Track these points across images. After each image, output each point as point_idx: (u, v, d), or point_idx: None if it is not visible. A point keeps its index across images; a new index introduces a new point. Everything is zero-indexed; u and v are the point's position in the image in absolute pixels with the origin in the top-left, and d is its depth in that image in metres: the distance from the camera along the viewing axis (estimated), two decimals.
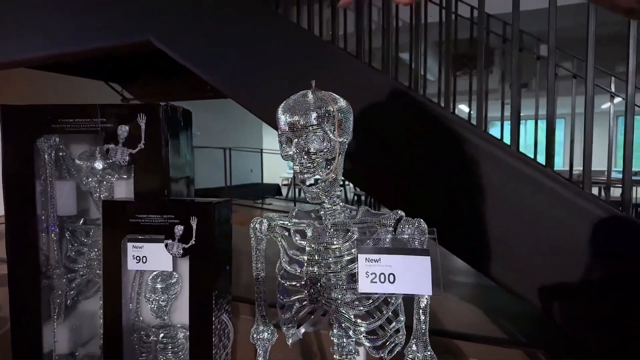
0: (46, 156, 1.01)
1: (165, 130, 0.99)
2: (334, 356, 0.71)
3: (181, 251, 0.85)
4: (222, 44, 1.67)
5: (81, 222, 1.08)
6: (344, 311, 0.64)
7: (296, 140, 0.64)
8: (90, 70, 3.77)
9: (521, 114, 1.38)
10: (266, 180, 7.59)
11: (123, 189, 1.02)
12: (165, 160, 0.99)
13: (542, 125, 1.54)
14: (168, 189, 0.99)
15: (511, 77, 1.43)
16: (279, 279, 0.71)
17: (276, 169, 8.62)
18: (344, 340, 0.70)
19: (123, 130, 0.98)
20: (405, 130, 1.40)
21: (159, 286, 0.88)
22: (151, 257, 0.86)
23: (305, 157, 0.64)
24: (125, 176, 1.04)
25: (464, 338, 1.45)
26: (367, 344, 0.64)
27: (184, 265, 0.91)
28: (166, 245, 0.85)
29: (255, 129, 8.22)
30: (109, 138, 0.99)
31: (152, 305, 0.89)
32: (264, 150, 7.57)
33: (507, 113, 1.55)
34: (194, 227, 0.84)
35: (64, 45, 2.24)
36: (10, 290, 1.01)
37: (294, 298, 0.68)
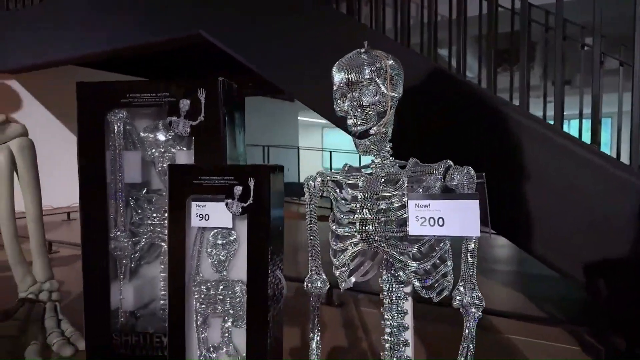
0: (115, 129, 1.12)
1: (223, 103, 1.07)
2: (384, 301, 0.76)
3: (240, 209, 0.92)
4: (275, 36, 1.73)
5: (144, 191, 1.17)
6: (394, 252, 0.69)
7: (350, 94, 0.70)
8: (130, 67, 3.98)
9: (564, 113, 1.37)
10: (302, 178, 7.68)
11: (184, 159, 1.10)
12: (223, 130, 1.07)
13: (587, 125, 1.49)
14: (224, 158, 1.07)
15: (555, 60, 1.43)
16: (333, 228, 0.76)
17: (313, 166, 8.71)
18: (394, 286, 0.75)
19: (185, 104, 1.07)
20: (450, 112, 1.43)
21: (219, 242, 0.96)
22: (213, 215, 0.94)
23: (359, 110, 0.69)
24: (185, 147, 1.12)
25: (504, 315, 1.46)
26: (417, 284, 0.68)
27: (242, 226, 0.98)
28: (226, 204, 0.93)
29: (291, 126, 8.35)
30: (171, 111, 1.08)
31: (213, 260, 0.96)
32: (300, 148, 7.67)
33: (550, 112, 1.51)
34: (252, 187, 0.91)
35: (115, 41, 2.39)
36: (83, 251, 1.12)
37: (348, 242, 0.73)
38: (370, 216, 0.71)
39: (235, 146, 1.15)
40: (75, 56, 2.51)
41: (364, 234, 0.71)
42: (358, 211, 0.72)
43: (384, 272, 0.75)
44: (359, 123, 0.70)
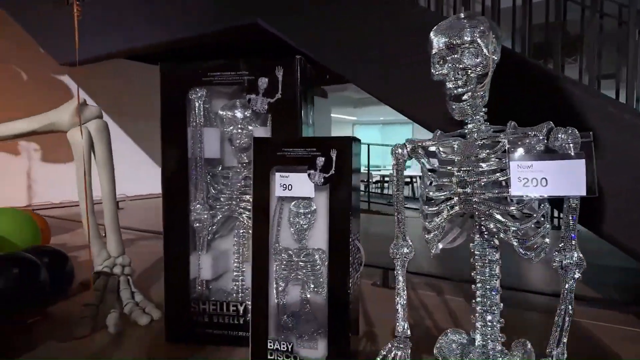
0: (196, 106, 1.17)
1: (300, 81, 1.10)
2: (476, 264, 0.77)
3: (322, 180, 0.95)
4: (335, 24, 1.74)
5: (219, 167, 1.23)
6: (495, 213, 0.70)
7: (451, 57, 0.72)
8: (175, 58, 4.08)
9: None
10: None
11: (263, 135, 1.14)
12: (299, 107, 1.10)
13: None
14: (300, 134, 1.11)
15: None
16: (425, 191, 0.78)
17: None
18: (486, 249, 0.76)
19: (263, 82, 1.11)
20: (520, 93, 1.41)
21: (302, 211, 0.99)
22: (296, 185, 0.97)
23: (460, 72, 0.71)
24: (262, 125, 1.17)
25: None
26: (516, 243, 0.70)
27: (319, 198, 1.02)
28: (309, 175, 0.96)
29: (324, 122, 8.38)
30: (250, 89, 1.12)
31: (295, 228, 1.00)
32: None
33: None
34: (334, 158, 0.94)
35: (170, 33, 2.47)
36: (165, 222, 1.18)
37: (444, 205, 0.75)
38: (469, 178, 0.73)
39: (307, 124, 1.19)
40: (136, 47, 2.60)
41: (462, 196, 0.73)
42: (456, 173, 0.74)
43: (476, 237, 0.77)
44: (459, 85, 0.72)
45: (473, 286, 0.78)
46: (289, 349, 0.98)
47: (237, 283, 1.23)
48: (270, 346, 0.99)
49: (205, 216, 1.19)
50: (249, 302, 1.17)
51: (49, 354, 1.12)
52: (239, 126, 1.17)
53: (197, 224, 1.19)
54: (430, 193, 0.77)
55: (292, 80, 1.10)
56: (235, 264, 1.24)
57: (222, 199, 1.21)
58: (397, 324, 0.85)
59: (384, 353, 0.84)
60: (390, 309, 1.01)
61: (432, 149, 0.79)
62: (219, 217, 1.20)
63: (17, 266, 0.96)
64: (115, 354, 1.13)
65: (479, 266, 0.77)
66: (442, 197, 0.76)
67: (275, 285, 1.02)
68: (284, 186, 0.98)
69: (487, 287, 0.76)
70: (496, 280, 0.76)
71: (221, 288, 1.25)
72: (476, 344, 0.76)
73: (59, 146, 4.33)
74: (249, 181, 1.19)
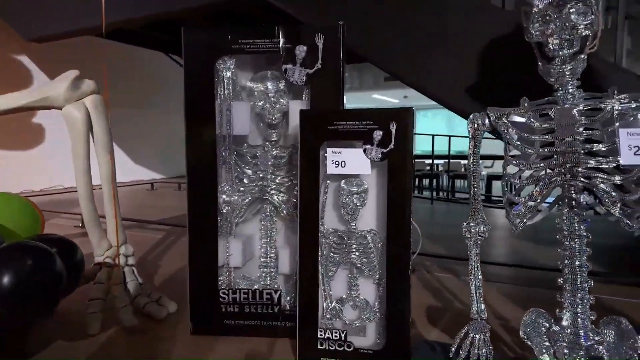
0: (225, 77, 1.06)
1: (343, 49, 1.02)
2: (564, 240, 0.73)
3: (380, 155, 0.88)
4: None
5: (245, 146, 1.13)
6: (600, 183, 0.66)
7: (557, 15, 0.67)
8: (151, 41, 3.85)
9: None
10: None
11: (298, 109, 1.05)
12: (342, 78, 1.02)
13: None
14: (342, 108, 1.03)
15: None
16: (514, 163, 0.73)
17: None
18: (575, 224, 0.73)
19: (301, 50, 1.02)
20: None
21: (354, 189, 0.92)
22: (350, 162, 0.90)
23: (567, 31, 0.66)
24: (297, 98, 1.08)
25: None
26: (619, 213, 0.66)
27: (367, 175, 0.95)
28: (365, 150, 0.89)
29: None
30: (286, 59, 1.03)
31: (347, 208, 0.93)
32: None
33: None
34: (393, 131, 0.87)
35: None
36: (190, 204, 1.07)
37: (542, 175, 0.71)
38: (572, 148, 0.68)
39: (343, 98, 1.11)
40: (117, 20, 2.39)
41: (564, 167, 0.69)
42: (557, 143, 0.69)
43: (564, 211, 0.73)
44: (565, 45, 0.67)
45: (559, 263, 0.74)
46: (342, 337, 0.92)
47: (265, 270, 1.14)
48: (321, 335, 0.92)
49: (235, 198, 1.10)
50: (283, 290, 1.09)
51: (63, 354, 1.00)
52: (271, 99, 1.07)
53: (227, 207, 1.10)
54: (525, 165, 0.72)
55: (334, 49, 1.01)
56: (263, 250, 1.15)
57: (251, 179, 1.11)
58: (472, 306, 0.80)
59: (460, 338, 0.79)
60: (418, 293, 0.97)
61: (518, 118, 0.74)
62: (248, 199, 1.11)
63: (30, 256, 0.83)
64: (138, 352, 1.03)
65: (568, 242, 0.73)
66: (540, 168, 0.71)
67: (323, 271, 0.95)
68: (337, 163, 0.90)
69: (577, 263, 0.72)
70: (585, 255, 0.73)
71: (245, 276, 1.16)
72: (565, 323, 0.73)
73: (18, 132, 4.01)
74: (280, 160, 1.11)
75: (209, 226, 1.08)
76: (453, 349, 0.79)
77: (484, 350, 0.76)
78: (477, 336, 0.78)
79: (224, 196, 1.09)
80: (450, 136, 5.28)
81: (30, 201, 1.60)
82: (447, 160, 8.06)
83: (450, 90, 1.47)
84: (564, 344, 0.72)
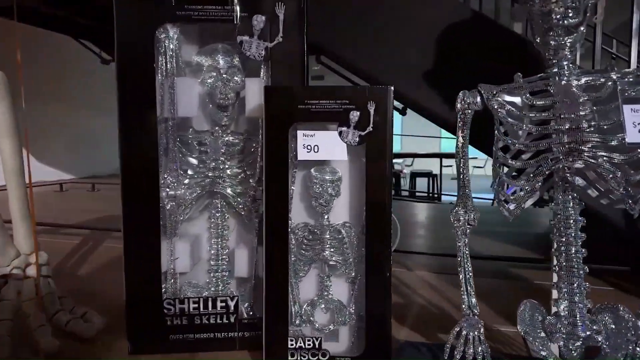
0: (166, 49, 0.90)
1: (306, 22, 0.91)
2: (559, 226, 0.69)
3: (357, 139, 0.79)
4: None
5: (190, 131, 0.97)
6: (604, 162, 0.62)
7: None
8: (60, 24, 3.41)
9: None
10: None
11: (255, 90, 0.93)
12: (306, 55, 0.91)
13: None
14: None
15: None
16: (516, 146, 0.67)
17: None
18: (570, 208, 0.68)
19: (259, 20, 0.89)
20: None
21: (328, 177, 0.82)
22: (324, 146, 0.79)
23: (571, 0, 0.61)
24: (253, 76, 0.94)
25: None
26: (623, 192, 0.63)
27: (339, 163, 0.85)
28: (340, 133, 0.79)
29: None
30: (242, 29, 0.89)
31: (322, 199, 0.82)
32: None
33: None
34: (372, 112, 0.78)
35: None
36: (124, 201, 0.90)
37: (542, 158, 0.65)
38: (573, 125, 0.63)
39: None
40: None
41: (566, 146, 0.64)
42: (557, 122, 0.64)
43: (560, 195, 0.69)
44: (570, 14, 0.62)
45: (554, 250, 0.70)
46: (317, 345, 0.81)
47: (217, 274, 1.00)
48: (292, 344, 0.81)
49: (181, 192, 0.94)
50: (238, 295, 0.96)
51: None
52: (223, 76, 0.93)
53: (171, 203, 0.93)
54: (521, 146, 0.67)
55: (298, 21, 0.90)
56: (213, 252, 1.00)
57: (198, 170, 0.96)
58: (463, 301, 0.73)
59: (452, 337, 0.72)
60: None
61: (509, 97, 0.68)
62: (196, 193, 0.96)
63: None
64: None
65: (562, 227, 0.69)
66: (541, 149, 0.66)
67: (291, 271, 0.83)
68: (309, 147, 0.79)
69: (573, 249, 0.68)
70: (580, 241, 0.69)
71: (192, 282, 1.01)
72: (561, 312, 0.69)
73: None
74: (232, 148, 0.97)
75: (149, 225, 0.91)
76: (447, 348, 0.71)
77: (480, 348, 0.70)
78: (472, 333, 0.71)
79: (168, 190, 0.93)
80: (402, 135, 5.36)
81: None
82: (403, 160, 8.21)
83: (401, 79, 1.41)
84: (562, 336, 0.68)
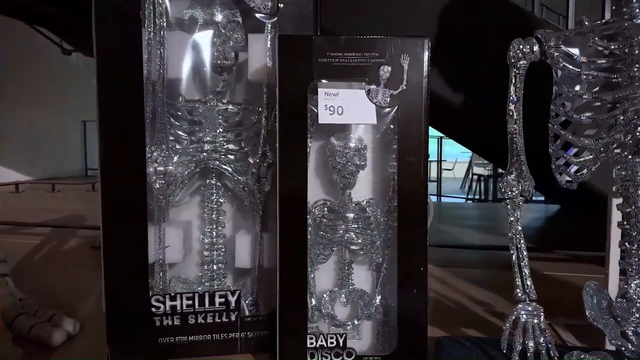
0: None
1: None
2: (628, 195, 0.60)
3: (388, 99, 0.67)
4: None
5: (180, 99, 0.83)
6: None
7: None
8: (14, 10, 3.14)
9: None
10: None
11: (260, 48, 0.79)
12: (319, 7, 0.79)
13: None
14: None
15: None
16: (585, 97, 0.57)
17: None
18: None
19: None
20: None
21: (352, 145, 0.70)
22: (349, 108, 0.67)
23: None
24: (256, 32, 0.81)
25: None
26: None
27: (363, 131, 0.74)
28: (368, 92, 0.67)
29: None
30: None
31: (345, 171, 0.69)
32: None
33: None
34: (406, 67, 0.67)
35: None
36: (104, 179, 0.74)
37: (608, 117, 0.55)
38: None
39: None
40: None
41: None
42: (637, 67, 0.54)
43: (629, 157, 0.60)
44: None
45: (619, 224, 0.61)
46: (341, 344, 0.68)
47: (211, 266, 0.86)
48: (312, 344, 0.68)
49: (171, 168, 0.80)
50: (239, 289, 0.82)
51: None
52: (222, 33, 0.79)
53: (160, 181, 0.79)
54: (578, 105, 0.57)
55: None
56: (207, 240, 0.86)
57: (191, 144, 0.82)
58: (517, 284, 0.63)
59: (509, 324, 0.62)
60: None
61: (573, 48, 0.58)
62: (190, 170, 0.81)
63: None
64: None
65: (632, 195, 0.59)
66: (607, 104, 0.56)
67: (312, 256, 0.71)
68: (331, 109, 0.67)
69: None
70: None
71: (180, 277, 0.86)
72: (634, 295, 0.59)
73: None
74: (231, 118, 0.84)
75: (134, 208, 0.76)
76: (504, 340, 0.61)
77: (542, 339, 0.60)
78: (530, 322, 0.61)
79: (156, 165, 0.78)
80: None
81: None
82: None
83: None
84: (636, 320, 0.58)
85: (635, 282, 0.59)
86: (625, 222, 0.61)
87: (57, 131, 5.07)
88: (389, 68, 0.67)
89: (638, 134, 0.58)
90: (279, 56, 0.66)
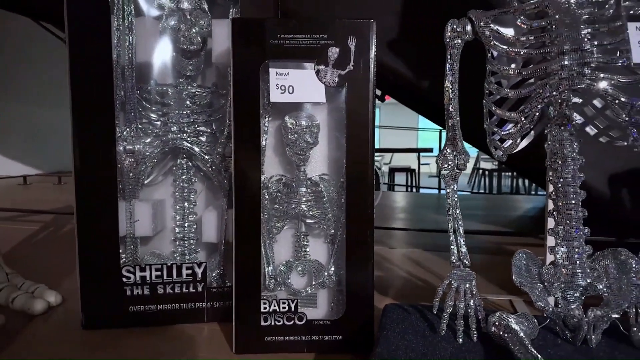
0: None
1: None
2: (555, 165, 0.63)
3: (336, 79, 0.71)
4: None
5: (151, 83, 0.88)
6: (607, 86, 0.56)
7: None
8: (16, 4, 3.21)
9: None
10: None
11: (224, 33, 0.84)
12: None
13: None
14: None
15: None
16: (507, 70, 0.61)
17: None
18: (567, 143, 0.63)
19: None
20: None
21: (304, 123, 0.74)
22: (299, 87, 0.71)
23: None
24: (221, 17, 0.86)
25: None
26: (626, 120, 0.57)
27: (319, 111, 0.78)
28: (317, 72, 0.71)
29: None
30: None
31: (297, 147, 0.74)
32: None
33: None
34: (353, 48, 0.71)
35: None
36: (77, 158, 0.80)
37: (539, 85, 0.59)
38: (575, 46, 0.57)
39: None
40: None
41: (566, 70, 0.58)
42: (557, 42, 0.58)
43: (555, 132, 0.63)
44: None
45: (551, 192, 0.64)
46: (292, 308, 0.73)
47: (182, 242, 0.91)
48: (265, 308, 0.73)
49: (140, 147, 0.85)
50: (206, 262, 0.87)
51: None
52: (187, 18, 0.84)
53: (129, 159, 0.84)
54: (514, 72, 0.60)
55: None
56: (179, 217, 0.91)
57: (160, 125, 0.87)
58: (452, 251, 0.67)
59: (442, 289, 0.66)
60: None
61: (503, 27, 0.62)
62: (159, 149, 0.86)
63: None
64: (10, 357, 0.73)
65: (559, 167, 0.63)
66: (538, 74, 0.60)
67: (265, 229, 0.75)
68: (282, 88, 0.71)
69: (571, 189, 0.63)
70: (579, 181, 0.63)
71: (155, 252, 0.92)
72: (559, 260, 0.63)
73: None
74: (199, 100, 0.88)
75: (104, 184, 0.81)
76: (435, 302, 0.65)
77: (472, 302, 0.63)
78: (462, 286, 0.64)
79: (125, 144, 0.83)
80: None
81: None
82: (382, 155, 8.23)
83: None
84: (560, 285, 0.62)
85: (562, 249, 0.63)
86: (553, 193, 0.64)
87: (64, 126, 5.18)
88: (337, 49, 0.70)
89: (563, 107, 0.61)
90: (232, 39, 0.71)
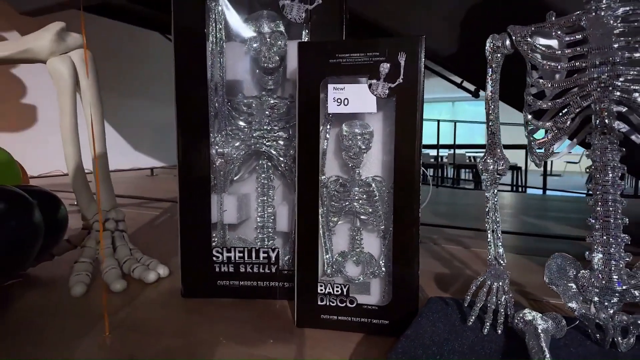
0: (216, 16, 0.98)
1: None
2: (595, 173, 0.65)
3: (387, 91, 0.80)
4: None
5: (239, 96, 1.04)
6: (637, 93, 0.58)
7: None
8: (147, 20, 3.74)
9: None
10: None
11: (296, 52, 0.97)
12: (344, 13, 0.94)
13: None
14: None
15: None
16: (540, 81, 0.65)
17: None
18: (609, 153, 0.64)
19: None
20: None
21: (357, 131, 0.84)
22: (353, 99, 0.82)
23: None
24: (295, 38, 0.99)
25: None
26: None
27: (373, 122, 0.87)
28: (370, 86, 0.81)
29: None
30: None
31: (351, 152, 0.85)
32: None
33: None
34: (402, 63, 0.79)
35: None
36: (180, 157, 0.99)
37: (573, 94, 0.62)
38: (608, 58, 0.60)
39: None
40: None
41: (601, 81, 0.60)
42: (590, 55, 0.60)
43: (596, 140, 0.65)
44: None
45: (590, 200, 0.66)
46: (344, 292, 0.84)
47: (262, 230, 1.07)
48: (321, 290, 0.85)
49: (229, 150, 1.02)
50: (281, 249, 1.01)
51: (42, 320, 0.92)
52: (267, 40, 0.99)
53: (219, 159, 1.02)
54: (548, 84, 0.64)
55: None
56: (260, 209, 1.07)
57: (246, 131, 1.03)
58: (490, 250, 0.72)
59: (475, 286, 0.71)
60: (425, 262, 0.86)
61: (543, 40, 0.65)
62: (243, 152, 1.03)
63: (4, 200, 0.75)
64: (124, 314, 0.95)
65: (600, 174, 0.64)
66: (572, 85, 0.62)
67: (324, 222, 0.87)
68: (339, 101, 0.82)
69: (610, 197, 0.64)
70: (619, 190, 0.64)
71: (241, 237, 1.08)
72: (595, 266, 0.64)
73: (7, 114, 3.93)
74: (277, 111, 1.03)
75: (201, 180, 1.00)
76: (467, 296, 0.71)
77: (503, 298, 0.68)
78: (495, 284, 0.69)
79: (217, 147, 1.01)
80: (455, 121, 5.20)
81: (6, 151, 1.51)
82: (451, 151, 8.01)
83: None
84: (595, 290, 0.64)
85: (598, 255, 0.64)
86: (592, 199, 0.66)
87: None
88: (388, 65, 0.79)
89: (604, 116, 0.63)
90: (299, 59, 0.83)
